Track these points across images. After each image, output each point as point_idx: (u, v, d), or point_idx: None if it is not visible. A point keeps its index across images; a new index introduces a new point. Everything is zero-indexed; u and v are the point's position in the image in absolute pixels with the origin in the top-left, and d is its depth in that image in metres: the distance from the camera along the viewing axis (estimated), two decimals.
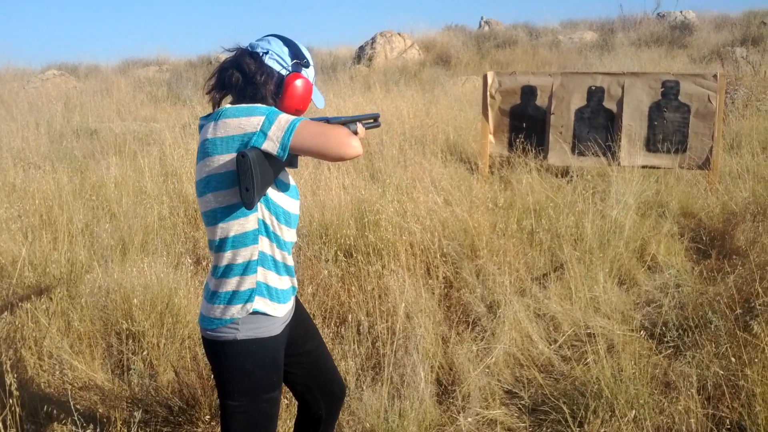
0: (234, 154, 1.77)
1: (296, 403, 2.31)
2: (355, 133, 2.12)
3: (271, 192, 1.88)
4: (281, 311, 1.94)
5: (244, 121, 1.77)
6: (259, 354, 1.90)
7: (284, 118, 1.77)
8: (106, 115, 11.31)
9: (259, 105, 1.85)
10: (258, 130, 1.75)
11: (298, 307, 2.17)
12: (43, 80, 16.54)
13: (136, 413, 2.70)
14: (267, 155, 1.76)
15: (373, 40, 17.96)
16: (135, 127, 9.93)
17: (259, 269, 1.88)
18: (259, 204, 1.85)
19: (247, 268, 1.86)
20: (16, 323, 3.61)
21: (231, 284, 1.87)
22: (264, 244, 1.88)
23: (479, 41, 18.84)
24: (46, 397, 3.13)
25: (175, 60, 20.79)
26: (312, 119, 2.01)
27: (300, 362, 2.16)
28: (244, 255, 1.86)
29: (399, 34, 18.22)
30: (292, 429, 2.58)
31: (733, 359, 3.05)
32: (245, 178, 1.72)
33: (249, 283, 1.87)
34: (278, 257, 1.92)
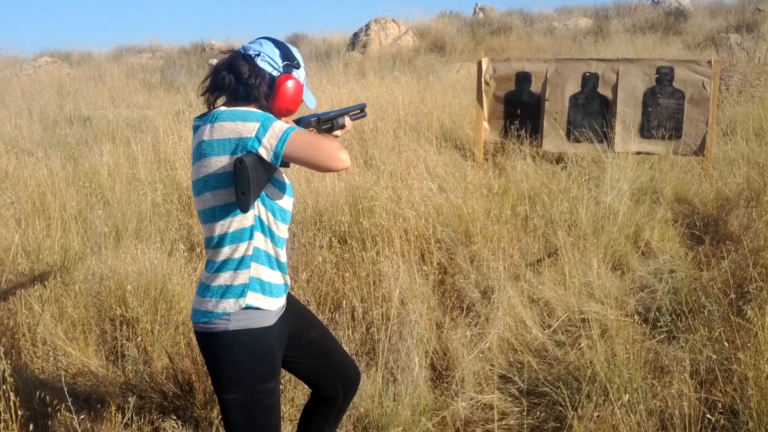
0: (229, 156, 1.80)
1: (295, 392, 2.32)
2: (343, 126, 2.22)
3: (268, 190, 1.91)
4: (274, 305, 1.96)
5: (240, 125, 1.80)
6: (251, 344, 1.91)
7: (278, 126, 1.79)
8: (100, 103, 11.25)
9: (254, 110, 1.88)
10: (253, 136, 1.78)
11: (294, 302, 2.18)
12: (36, 68, 16.42)
13: (130, 399, 2.70)
14: (261, 159, 1.79)
15: (368, 26, 17.87)
16: (128, 114, 9.88)
17: (253, 264, 1.90)
18: (256, 201, 1.88)
19: (240, 263, 1.89)
20: (10, 310, 3.60)
21: (224, 278, 1.89)
22: (259, 240, 1.90)
23: (474, 28, 18.75)
24: (40, 383, 3.12)
25: (168, 47, 20.69)
26: (303, 117, 2.07)
27: (307, 352, 2.18)
28: (240, 250, 1.88)
29: (393, 21, 18.13)
30: (294, 416, 2.58)
31: (726, 343, 3.07)
32: (242, 182, 1.75)
33: (242, 278, 1.89)
34: (271, 252, 1.95)
